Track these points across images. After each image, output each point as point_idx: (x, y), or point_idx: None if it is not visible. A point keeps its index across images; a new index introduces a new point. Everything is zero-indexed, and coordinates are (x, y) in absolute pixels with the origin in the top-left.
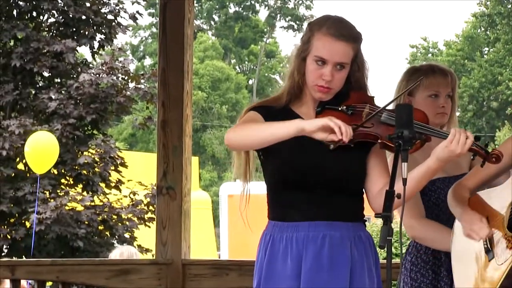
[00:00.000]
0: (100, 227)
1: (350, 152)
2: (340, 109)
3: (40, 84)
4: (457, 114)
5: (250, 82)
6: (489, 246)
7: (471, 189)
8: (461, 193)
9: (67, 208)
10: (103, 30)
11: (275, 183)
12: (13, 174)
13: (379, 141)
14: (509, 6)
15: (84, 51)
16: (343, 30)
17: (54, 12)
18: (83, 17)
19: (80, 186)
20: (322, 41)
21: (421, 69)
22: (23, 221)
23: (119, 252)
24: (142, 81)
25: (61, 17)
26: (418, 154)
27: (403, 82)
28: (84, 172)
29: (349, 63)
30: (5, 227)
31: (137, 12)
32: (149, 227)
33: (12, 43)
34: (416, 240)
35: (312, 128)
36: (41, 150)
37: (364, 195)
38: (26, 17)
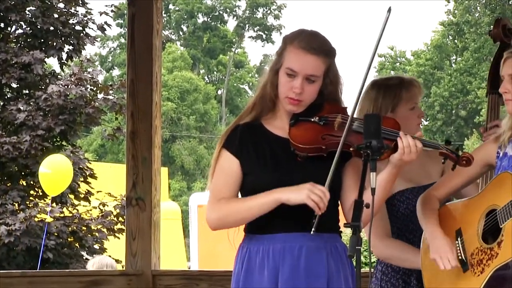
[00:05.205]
0: (70, 239)
1: (325, 164)
2: (313, 120)
3: (8, 96)
4: (426, 123)
5: (219, 92)
6: (463, 257)
7: (440, 199)
8: (431, 205)
9: (36, 219)
10: (71, 41)
11: None
12: None
13: (351, 149)
14: (477, 14)
15: (52, 62)
16: (314, 44)
17: (22, 23)
18: (51, 28)
19: (49, 197)
20: (293, 53)
21: (394, 84)
22: None
23: (96, 266)
24: (111, 92)
25: (29, 28)
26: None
27: (379, 98)
28: None
29: (320, 76)
30: None
31: (105, 23)
32: (119, 238)
33: None
34: (382, 260)
35: (292, 203)
36: (58, 173)
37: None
38: None
